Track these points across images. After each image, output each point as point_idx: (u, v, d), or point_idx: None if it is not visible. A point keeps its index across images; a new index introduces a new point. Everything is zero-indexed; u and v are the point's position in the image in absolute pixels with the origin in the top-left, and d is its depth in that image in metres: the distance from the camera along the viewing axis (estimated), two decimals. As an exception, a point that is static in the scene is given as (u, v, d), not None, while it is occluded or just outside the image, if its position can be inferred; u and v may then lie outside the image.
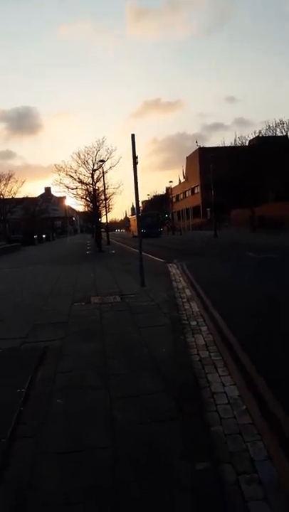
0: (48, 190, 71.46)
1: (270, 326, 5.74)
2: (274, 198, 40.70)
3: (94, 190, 26.98)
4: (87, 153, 25.87)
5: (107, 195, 31.22)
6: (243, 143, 39.71)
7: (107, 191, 29.88)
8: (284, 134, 37.61)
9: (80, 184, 26.54)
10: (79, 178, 26.20)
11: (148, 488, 2.26)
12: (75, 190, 27.09)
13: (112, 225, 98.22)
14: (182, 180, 64.37)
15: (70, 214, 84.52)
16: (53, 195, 71.98)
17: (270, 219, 38.16)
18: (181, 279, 10.66)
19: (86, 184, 26.71)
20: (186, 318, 6.34)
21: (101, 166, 26.18)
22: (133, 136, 9.26)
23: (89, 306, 7.52)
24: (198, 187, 62.88)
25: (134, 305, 7.29)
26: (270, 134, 38.21)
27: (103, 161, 25.90)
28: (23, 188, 53.78)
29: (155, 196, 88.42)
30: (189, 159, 68.90)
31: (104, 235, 35.96)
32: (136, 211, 10.64)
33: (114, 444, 2.70)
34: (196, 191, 65.63)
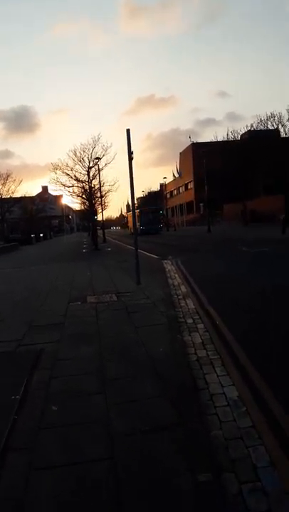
0: (45, 188, 71.09)
1: (265, 321, 5.69)
2: (265, 192, 40.71)
3: (90, 187, 26.86)
4: (83, 151, 25.78)
5: (103, 193, 31.09)
6: (235, 137, 39.59)
7: (102, 188, 29.76)
8: (275, 127, 37.50)
9: (76, 182, 26.45)
10: (75, 176, 26.14)
11: (147, 503, 2.18)
12: (71, 188, 27.02)
13: (108, 223, 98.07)
14: (176, 176, 64.17)
15: (67, 212, 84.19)
16: (50, 194, 71.60)
17: (261, 213, 38.21)
18: (176, 275, 10.58)
19: (82, 182, 26.62)
20: (182, 315, 6.26)
21: (96, 163, 26.07)
22: (128, 131, 9.13)
23: (85, 305, 7.41)
24: (192, 183, 62.78)
25: (131, 304, 7.19)
26: (262, 128, 38.07)
27: (99, 158, 25.80)
28: (21, 187, 53.54)
29: (149, 193, 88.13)
30: (183, 155, 68.72)
31: (100, 232, 35.84)
32: (132, 207, 10.50)
33: (112, 456, 2.60)
34: (189, 187, 65.52)
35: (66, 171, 25.67)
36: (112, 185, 30.59)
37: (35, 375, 4.04)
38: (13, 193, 51.12)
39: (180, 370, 3.96)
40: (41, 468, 2.53)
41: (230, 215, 46.34)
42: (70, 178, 26.03)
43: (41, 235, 53.29)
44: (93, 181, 26.82)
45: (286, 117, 34.47)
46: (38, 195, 73.88)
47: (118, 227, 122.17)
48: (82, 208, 39.37)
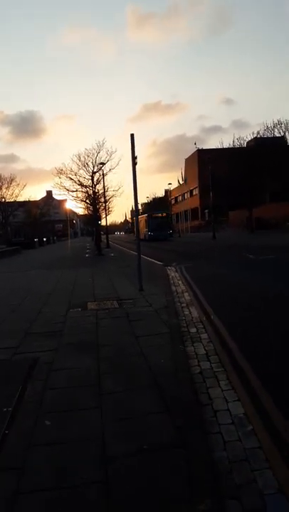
0: (49, 193, 71.27)
1: (271, 332, 5.44)
2: (271, 199, 40.50)
3: (94, 192, 26.76)
4: (88, 156, 25.71)
5: (107, 198, 31.00)
6: (241, 144, 39.49)
7: (106, 194, 29.67)
8: (282, 134, 37.38)
9: (80, 187, 26.37)
10: (79, 181, 26.05)
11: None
12: (75, 193, 26.93)
13: (112, 228, 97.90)
14: (181, 182, 64.06)
15: (71, 217, 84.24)
16: (54, 198, 71.76)
17: (267, 220, 37.99)
18: (180, 282, 10.38)
19: (86, 187, 26.53)
20: (185, 325, 6.05)
21: (101, 168, 25.99)
22: (132, 135, 9.09)
23: (85, 312, 7.22)
24: (197, 189, 62.67)
25: (132, 311, 7.00)
26: (268, 135, 37.96)
27: (103, 164, 25.71)
28: (25, 191, 53.95)
29: (154, 199, 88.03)
30: (188, 161, 68.70)
31: (103, 237, 35.66)
32: (135, 212, 10.32)
33: (105, 480, 2.40)
34: (194, 193, 65.40)
35: (70, 176, 25.67)
36: (117, 190, 30.55)
37: (29, 385, 3.85)
38: (16, 196, 51.32)
39: (182, 383, 3.75)
40: (29, 491, 2.34)
41: (235, 222, 46.12)
42: (74, 183, 26.02)
43: (44, 239, 53.23)
44: (97, 186, 26.75)
45: (293, 125, 34.37)
46: (43, 199, 74.05)
47: (122, 233, 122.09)
48: (86, 212, 39.26)
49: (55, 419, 3.17)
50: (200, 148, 58.86)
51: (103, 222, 37.29)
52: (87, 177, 26.04)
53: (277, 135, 37.53)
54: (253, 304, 7.33)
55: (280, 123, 37.06)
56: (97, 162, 25.70)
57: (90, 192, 26.82)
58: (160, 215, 45.33)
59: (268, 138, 37.66)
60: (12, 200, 51.19)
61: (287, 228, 21.40)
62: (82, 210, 39.31)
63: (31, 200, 60.56)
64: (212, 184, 35.87)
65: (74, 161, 25.80)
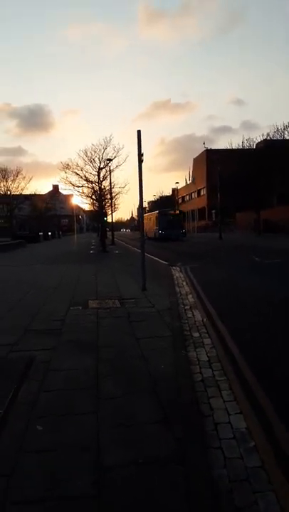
0: (55, 187, 70.98)
1: (278, 339, 5.27)
2: (279, 202, 40.12)
3: (100, 188, 26.62)
4: (94, 151, 25.54)
5: (113, 194, 30.79)
6: (250, 145, 39.14)
7: (113, 190, 29.47)
8: (293, 137, 36.94)
9: (86, 182, 26.20)
10: (85, 176, 25.88)
11: None
12: (80, 188, 26.77)
13: (118, 225, 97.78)
14: (188, 181, 63.68)
15: (77, 212, 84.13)
16: (60, 193, 71.64)
17: (275, 223, 37.61)
18: (184, 283, 10.21)
19: (92, 182, 26.38)
20: (188, 328, 5.90)
21: (108, 164, 25.82)
22: (139, 132, 8.93)
23: (86, 311, 7.08)
24: (205, 189, 62.32)
25: (134, 311, 6.85)
26: (278, 137, 37.55)
27: (110, 160, 25.53)
28: (31, 184, 53.66)
29: (161, 197, 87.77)
30: (196, 161, 68.33)
31: (109, 234, 35.49)
32: (140, 209, 10.13)
33: (98, 494, 2.26)
34: (202, 193, 65.04)
35: (76, 171, 25.51)
36: (123, 187, 30.35)
37: (23, 386, 3.72)
38: (22, 189, 51.04)
39: (183, 391, 3.59)
40: (17, 502, 2.20)
41: (242, 223, 45.78)
42: (80, 178, 25.85)
43: (49, 233, 53.04)
44: (103, 182, 26.58)
45: (304, 127, 33.98)
46: (49, 193, 74.00)
47: (128, 230, 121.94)
48: (92, 208, 39.07)
49: (48, 424, 3.03)
50: (209, 148, 58.57)
51: (109, 219, 37.14)
52: (94, 173, 25.93)
53: (287, 137, 37.11)
54: (258, 309, 7.15)
55: (290, 125, 36.64)
56: (104, 158, 25.58)
57: (96, 188, 26.71)
58: (172, 212, 41.89)
59: (277, 140, 37.25)
60: (18, 193, 50.90)
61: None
62: (88, 205, 39.18)
63: (37, 193, 60.34)
64: (220, 185, 35.58)
65: (80, 156, 25.70)
